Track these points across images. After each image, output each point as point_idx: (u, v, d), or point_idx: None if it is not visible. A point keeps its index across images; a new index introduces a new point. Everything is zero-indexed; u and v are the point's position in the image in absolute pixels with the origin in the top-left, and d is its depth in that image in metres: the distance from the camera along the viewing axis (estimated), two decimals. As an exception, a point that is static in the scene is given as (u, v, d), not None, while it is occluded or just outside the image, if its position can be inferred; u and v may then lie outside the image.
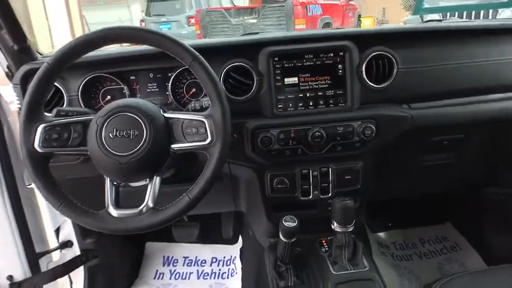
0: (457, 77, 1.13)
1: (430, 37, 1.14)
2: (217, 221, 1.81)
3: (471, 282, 0.98)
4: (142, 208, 0.81)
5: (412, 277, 1.62)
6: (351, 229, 1.05)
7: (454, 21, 1.42)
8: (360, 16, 9.51)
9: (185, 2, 8.70)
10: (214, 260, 1.74)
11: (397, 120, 1.10)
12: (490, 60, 1.13)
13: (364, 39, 1.09)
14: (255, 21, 7.55)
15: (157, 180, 0.84)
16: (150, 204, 0.81)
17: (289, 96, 1.07)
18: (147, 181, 0.84)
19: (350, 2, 8.90)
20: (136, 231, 0.81)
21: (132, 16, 13.48)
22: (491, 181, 1.57)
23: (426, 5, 1.27)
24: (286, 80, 1.06)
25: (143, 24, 8.57)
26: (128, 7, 13.98)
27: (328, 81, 1.08)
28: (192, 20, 8.12)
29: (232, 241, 1.79)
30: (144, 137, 0.79)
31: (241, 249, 1.71)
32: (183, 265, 1.73)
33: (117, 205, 0.83)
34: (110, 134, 0.80)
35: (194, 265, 1.73)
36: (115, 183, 0.84)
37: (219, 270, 1.70)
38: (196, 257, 1.76)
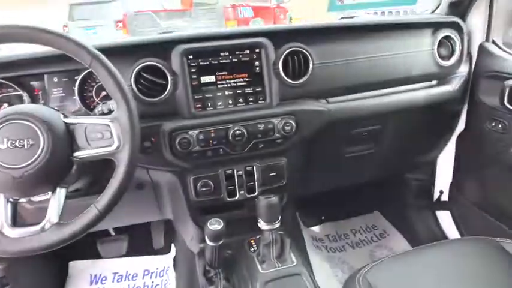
0: (369, 70, 1.17)
1: (341, 33, 1.17)
2: (147, 231, 1.73)
3: (393, 264, 1.01)
4: (45, 224, 0.73)
5: (345, 267, 1.67)
6: (277, 226, 1.05)
7: (365, 18, 1.48)
8: (291, 18, 9.78)
9: (111, 5, 8.33)
10: (146, 272, 1.66)
11: (315, 114, 1.11)
12: (396, 54, 1.19)
13: (279, 36, 1.09)
14: (186, 24, 7.46)
15: (61, 192, 0.77)
16: (54, 220, 0.74)
17: (207, 95, 1.04)
18: (49, 194, 0.77)
19: (280, 5, 9.11)
20: (39, 250, 0.73)
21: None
22: (410, 167, 1.66)
23: (338, 3, 1.31)
24: (202, 78, 1.03)
25: (66, 29, 8.07)
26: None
27: (247, 79, 1.06)
28: (120, 24, 7.81)
29: (165, 251, 1.71)
30: (40, 146, 0.72)
31: (174, 259, 1.65)
32: (113, 281, 1.62)
33: (14, 224, 0.74)
34: (1, 146, 0.71)
35: (125, 280, 1.63)
36: (11, 199, 0.75)
37: (152, 282, 1.62)
38: (127, 271, 1.66)
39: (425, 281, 0.95)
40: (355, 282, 0.95)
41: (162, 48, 1.01)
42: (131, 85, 0.99)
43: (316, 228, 1.91)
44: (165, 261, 1.67)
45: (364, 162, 1.43)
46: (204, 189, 1.09)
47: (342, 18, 1.34)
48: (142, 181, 1.15)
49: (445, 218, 1.62)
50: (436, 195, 1.64)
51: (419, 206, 1.71)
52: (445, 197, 1.60)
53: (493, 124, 1.24)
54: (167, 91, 1.01)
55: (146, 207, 1.29)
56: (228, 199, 1.13)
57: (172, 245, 1.70)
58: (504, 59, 1.23)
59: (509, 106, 1.18)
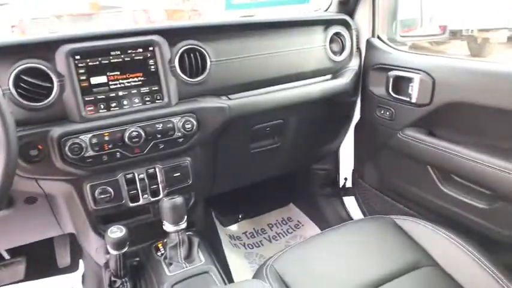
0: (266, 66, 1.20)
1: (237, 30, 1.18)
2: (50, 248, 1.59)
3: (299, 250, 1.05)
4: None
5: (262, 261, 1.69)
6: (183, 226, 1.03)
7: (261, 16, 1.52)
8: (203, 21, 9.72)
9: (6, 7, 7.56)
10: (49, 295, 1.53)
11: (216, 111, 1.11)
12: (291, 50, 1.24)
13: (173, 33, 1.07)
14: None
15: None
16: None
17: (99, 97, 0.98)
18: None
19: (194, 8, 9.02)
20: None
21: None
22: (316, 158, 1.75)
23: (234, 2, 1.33)
24: (92, 79, 0.97)
25: (-50, 35, 7.14)
26: None
27: (142, 78, 1.03)
28: (15, 29, 7.10)
29: (73, 268, 1.59)
30: None
31: (83, 275, 1.54)
32: (11, 311, 1.47)
33: None
34: None
35: (25, 307, 1.48)
36: None
37: (58, 305, 1.50)
38: (27, 297, 1.51)
39: (329, 260, 1.00)
40: (263, 272, 0.97)
41: (45, 48, 0.94)
42: (9, 89, 0.90)
43: (233, 227, 1.91)
44: (71, 280, 1.55)
45: (271, 157, 1.47)
46: (103, 196, 1.03)
47: (242, 16, 1.37)
48: (33, 194, 1.06)
49: (350, 203, 1.73)
50: (341, 182, 1.74)
51: (327, 194, 1.81)
52: (349, 184, 1.71)
53: (382, 112, 1.35)
54: (53, 94, 0.94)
55: (43, 223, 1.18)
56: (130, 204, 1.08)
57: (80, 261, 1.58)
58: (388, 52, 1.34)
59: (393, 94, 1.29)
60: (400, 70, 1.27)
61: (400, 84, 1.28)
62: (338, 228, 1.14)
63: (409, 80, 1.22)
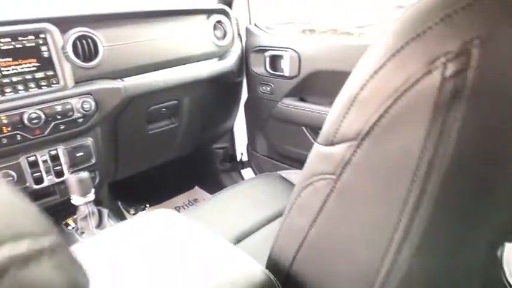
0: (157, 51, 1.33)
1: (127, 18, 1.29)
2: None
3: (193, 211, 1.18)
4: None
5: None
6: (91, 198, 1.10)
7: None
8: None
9: None
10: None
11: (112, 92, 1.20)
12: (179, 36, 1.39)
13: (64, 22, 1.13)
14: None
15: None
16: None
17: None
18: None
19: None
20: None
21: None
22: (214, 138, 1.92)
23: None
24: (-17, 66, 1.00)
25: None
26: None
27: (36, 64, 1.07)
28: None
29: None
30: None
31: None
32: None
33: None
34: None
35: None
36: None
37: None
38: None
39: (219, 212, 1.14)
40: None
41: None
42: None
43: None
44: None
45: (169, 138, 1.59)
46: (5, 180, 1.06)
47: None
48: None
49: (248, 175, 1.93)
50: (239, 157, 1.94)
51: (228, 170, 1.99)
52: (245, 157, 1.91)
53: (264, 87, 1.57)
54: None
55: None
56: (35, 186, 1.12)
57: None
58: (263, 36, 1.57)
59: (270, 71, 1.52)
60: (273, 50, 1.50)
61: (275, 62, 1.51)
62: (229, 189, 1.28)
63: (281, 57, 1.46)
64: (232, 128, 1.90)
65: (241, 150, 1.92)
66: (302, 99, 1.48)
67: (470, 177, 0.38)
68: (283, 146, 1.62)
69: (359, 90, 0.40)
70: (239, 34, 1.63)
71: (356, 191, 0.44)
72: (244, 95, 1.74)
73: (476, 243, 0.53)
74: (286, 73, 1.46)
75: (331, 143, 0.45)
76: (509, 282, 1.16)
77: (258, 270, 0.57)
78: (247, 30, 1.62)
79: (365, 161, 0.41)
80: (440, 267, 0.47)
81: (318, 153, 0.48)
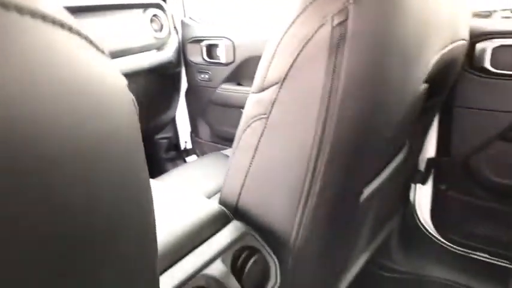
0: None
1: (71, 11, 1.33)
2: None
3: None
4: None
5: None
6: None
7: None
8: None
9: None
10: None
11: None
12: (118, 29, 1.46)
13: None
14: None
15: None
16: None
17: None
18: None
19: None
20: None
21: None
22: (157, 129, 1.99)
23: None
24: None
25: None
26: None
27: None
28: None
29: None
30: None
31: None
32: None
33: None
34: None
35: None
36: None
37: None
38: None
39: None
40: None
41: None
42: None
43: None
44: None
45: None
46: None
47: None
48: None
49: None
50: (183, 145, 2.03)
51: (173, 159, 2.07)
52: (189, 145, 2.01)
53: (202, 76, 1.69)
54: None
55: None
56: None
57: None
58: (198, 28, 1.68)
59: (207, 59, 1.64)
60: (209, 40, 1.62)
61: (211, 51, 1.63)
62: (172, 171, 1.38)
63: (216, 46, 1.59)
64: (174, 118, 1.98)
65: (185, 139, 2.01)
66: (239, 84, 1.61)
67: (361, 99, 0.53)
68: (224, 129, 1.75)
69: (280, 40, 0.54)
70: (175, 27, 1.73)
71: (282, 123, 0.58)
72: (184, 84, 1.84)
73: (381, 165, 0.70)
74: (223, 60, 1.59)
75: (261, 90, 0.59)
76: (422, 224, 1.39)
77: (214, 205, 0.69)
78: (183, 23, 1.72)
79: (286, 98, 0.56)
80: (350, 180, 0.63)
81: (252, 100, 0.62)
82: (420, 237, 1.34)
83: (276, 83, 0.56)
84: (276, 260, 0.63)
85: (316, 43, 0.50)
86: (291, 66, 0.53)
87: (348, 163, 0.60)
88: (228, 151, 1.48)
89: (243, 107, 0.63)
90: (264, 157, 0.62)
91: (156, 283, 0.31)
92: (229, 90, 1.60)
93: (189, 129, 1.96)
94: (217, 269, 0.56)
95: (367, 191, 0.79)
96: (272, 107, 0.57)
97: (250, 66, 1.54)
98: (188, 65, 1.74)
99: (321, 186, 0.58)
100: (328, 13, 0.48)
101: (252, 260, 0.59)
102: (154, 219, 0.30)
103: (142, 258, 0.27)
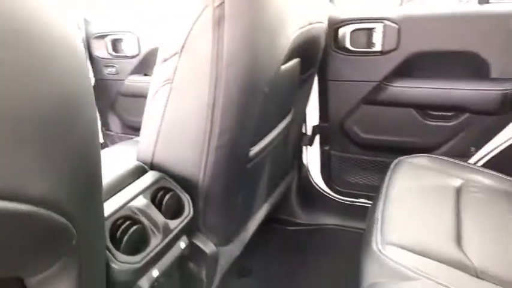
0: None
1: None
2: None
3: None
4: None
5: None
6: None
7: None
8: None
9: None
10: None
11: None
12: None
13: None
14: None
15: None
16: None
17: None
18: None
19: None
20: None
21: None
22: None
23: None
24: None
25: None
26: None
27: None
28: None
29: None
30: None
31: None
32: None
33: None
34: None
35: None
36: None
37: None
38: None
39: None
40: None
41: None
42: None
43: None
44: None
45: None
46: None
47: None
48: None
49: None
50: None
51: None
52: (101, 139, 2.05)
53: (109, 69, 1.76)
54: None
55: None
56: None
57: None
58: (101, 24, 1.75)
59: (113, 53, 1.72)
60: (113, 34, 1.70)
61: (116, 45, 1.72)
62: None
63: (121, 40, 1.68)
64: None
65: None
66: (145, 74, 1.72)
67: (241, 64, 0.72)
68: (134, 119, 1.84)
69: (174, 21, 0.70)
70: (78, 24, 1.77)
71: (183, 85, 0.75)
72: (91, 80, 1.89)
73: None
74: (128, 53, 1.69)
75: (165, 60, 0.74)
76: (315, 182, 1.65)
77: (133, 161, 0.83)
78: (85, 20, 1.78)
79: (185, 64, 0.72)
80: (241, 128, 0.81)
81: (158, 70, 0.77)
82: (314, 193, 1.61)
83: (176, 53, 0.72)
84: (188, 197, 0.79)
85: (203, 21, 0.67)
86: (186, 39, 0.69)
87: (239, 115, 0.78)
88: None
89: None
90: (171, 115, 0.78)
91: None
92: (137, 81, 1.71)
93: (99, 123, 2.01)
94: (140, 202, 0.70)
95: (261, 144, 1.00)
96: (174, 73, 0.73)
97: (155, 56, 1.66)
98: (94, 60, 1.80)
99: (219, 132, 0.76)
100: (209, -3, 0.66)
101: (167, 196, 0.75)
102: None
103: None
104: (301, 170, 1.60)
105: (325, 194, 1.60)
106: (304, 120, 1.47)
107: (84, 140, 0.38)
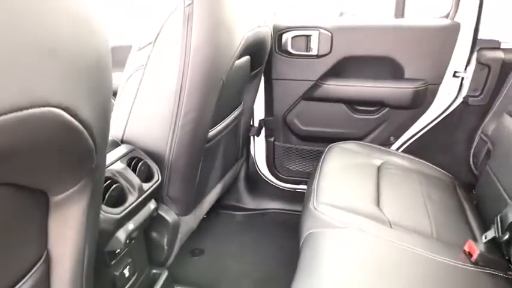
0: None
1: None
2: None
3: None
4: None
5: None
6: None
7: None
8: None
9: None
10: None
11: None
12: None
13: None
14: None
15: None
16: None
17: None
18: None
19: None
20: None
21: None
22: None
23: None
24: None
25: None
26: None
27: None
28: None
29: None
30: None
31: None
32: None
33: None
34: None
35: None
36: None
37: None
38: None
39: None
40: None
41: None
42: None
43: None
44: None
45: None
46: None
47: None
48: None
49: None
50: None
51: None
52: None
53: None
54: None
55: None
56: None
57: None
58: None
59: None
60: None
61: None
62: None
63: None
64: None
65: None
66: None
67: (205, 54, 0.87)
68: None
69: (151, 15, 0.84)
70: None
71: (155, 70, 0.88)
72: None
73: None
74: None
75: (140, 49, 0.88)
76: (260, 171, 1.80)
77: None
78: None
79: (157, 52, 0.86)
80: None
81: (133, 57, 0.90)
82: (260, 181, 1.79)
83: (150, 43, 0.85)
84: (156, 166, 0.92)
85: (175, 16, 0.82)
86: (160, 31, 0.83)
87: (201, 98, 0.92)
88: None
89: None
90: (143, 97, 0.91)
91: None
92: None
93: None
94: (119, 166, 0.82)
95: (217, 128, 1.15)
96: (148, 59, 0.87)
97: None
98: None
99: (184, 112, 0.90)
100: (181, -3, 0.81)
101: (140, 164, 0.87)
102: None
103: None
104: (249, 160, 1.77)
105: (270, 182, 1.79)
106: (252, 114, 1.65)
107: (98, 63, 0.45)
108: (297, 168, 1.74)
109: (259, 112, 1.68)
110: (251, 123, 1.67)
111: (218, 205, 1.72)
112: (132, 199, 0.81)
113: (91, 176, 0.51)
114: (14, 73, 0.33)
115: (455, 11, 1.41)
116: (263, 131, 1.71)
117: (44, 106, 0.36)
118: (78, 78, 0.41)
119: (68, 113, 0.39)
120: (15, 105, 0.33)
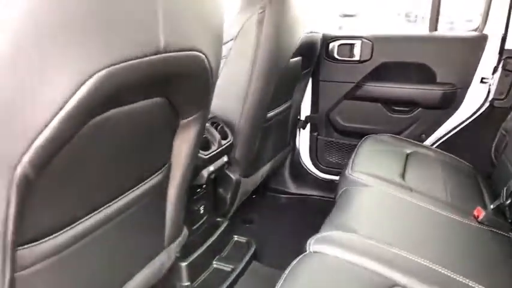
0: None
1: None
2: None
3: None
4: None
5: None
6: None
7: None
8: None
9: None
10: None
11: None
12: None
13: None
14: None
15: None
16: None
17: None
18: None
19: None
20: None
21: None
22: None
23: None
24: None
25: None
26: None
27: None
28: None
29: None
30: None
31: None
32: None
33: None
34: None
35: None
36: None
37: None
38: None
39: None
40: None
41: None
42: None
43: None
44: None
45: None
46: None
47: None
48: None
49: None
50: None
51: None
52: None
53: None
54: None
55: None
56: None
57: None
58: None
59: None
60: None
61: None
62: None
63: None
64: None
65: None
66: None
67: (274, 52, 1.16)
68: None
69: (234, 19, 1.15)
70: None
71: (234, 60, 1.19)
72: None
73: None
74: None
75: (225, 43, 1.18)
76: (303, 161, 2.09)
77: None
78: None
79: (236, 47, 1.17)
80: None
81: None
82: (302, 170, 2.04)
83: (232, 39, 1.16)
84: (229, 130, 1.23)
85: (250, 21, 1.12)
86: (239, 31, 1.14)
87: (265, 83, 1.21)
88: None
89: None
90: (224, 80, 1.21)
91: None
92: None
93: None
94: (206, 125, 1.13)
95: (272, 112, 1.44)
96: (229, 52, 1.18)
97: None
98: None
99: (252, 91, 1.20)
100: (258, 4, 1.11)
101: (219, 127, 1.18)
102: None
103: None
104: (294, 151, 2.04)
105: (310, 171, 2.04)
106: (299, 110, 1.92)
107: (217, 20, 0.74)
108: (335, 160, 1.98)
109: (305, 110, 1.95)
110: (298, 118, 1.94)
111: (266, 188, 1.99)
112: (214, 148, 1.11)
113: (205, 108, 0.81)
114: (193, 30, 0.63)
115: (484, 25, 1.62)
116: (308, 126, 1.97)
117: (195, 51, 0.66)
118: (211, 36, 0.71)
119: (205, 57, 0.69)
120: (185, 47, 0.63)
